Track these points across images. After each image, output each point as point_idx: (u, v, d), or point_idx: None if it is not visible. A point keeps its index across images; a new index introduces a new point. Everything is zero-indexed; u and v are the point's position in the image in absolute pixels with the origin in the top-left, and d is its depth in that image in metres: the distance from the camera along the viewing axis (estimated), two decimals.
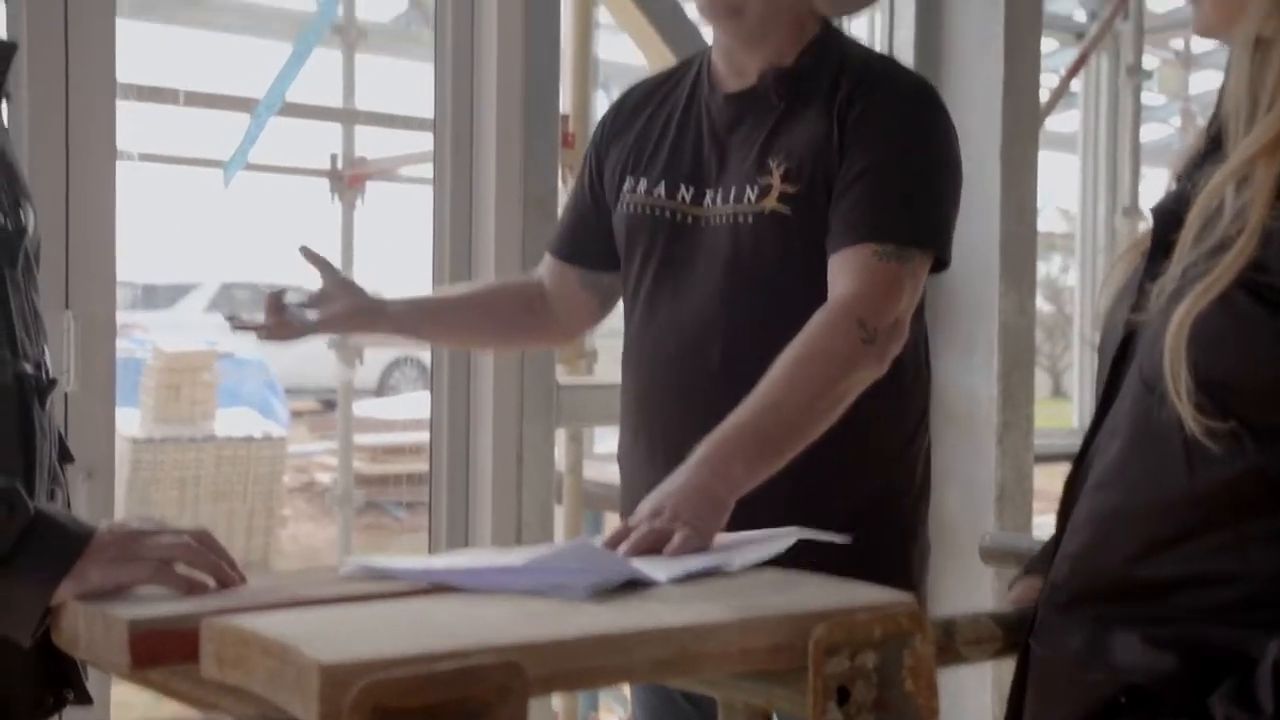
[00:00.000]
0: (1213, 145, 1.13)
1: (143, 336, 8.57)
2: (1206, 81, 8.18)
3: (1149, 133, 6.46)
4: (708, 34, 3.33)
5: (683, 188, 1.75)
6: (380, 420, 8.83)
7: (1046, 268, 12.63)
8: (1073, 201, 6.19)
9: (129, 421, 6.76)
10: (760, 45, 1.73)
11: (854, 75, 1.69)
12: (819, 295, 1.62)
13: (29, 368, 1.29)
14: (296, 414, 9.91)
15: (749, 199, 1.68)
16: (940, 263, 1.69)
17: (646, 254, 1.78)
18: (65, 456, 1.41)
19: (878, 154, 1.63)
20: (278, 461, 7.43)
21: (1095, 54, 5.48)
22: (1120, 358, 1.18)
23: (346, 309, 1.78)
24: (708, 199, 1.73)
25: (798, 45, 1.74)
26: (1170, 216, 1.16)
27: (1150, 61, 6.14)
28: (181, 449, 6.94)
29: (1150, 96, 6.39)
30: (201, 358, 7.61)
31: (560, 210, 2.82)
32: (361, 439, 7.34)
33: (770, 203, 1.66)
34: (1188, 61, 7.13)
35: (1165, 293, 1.08)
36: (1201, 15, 1.19)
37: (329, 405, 9.40)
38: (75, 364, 2.04)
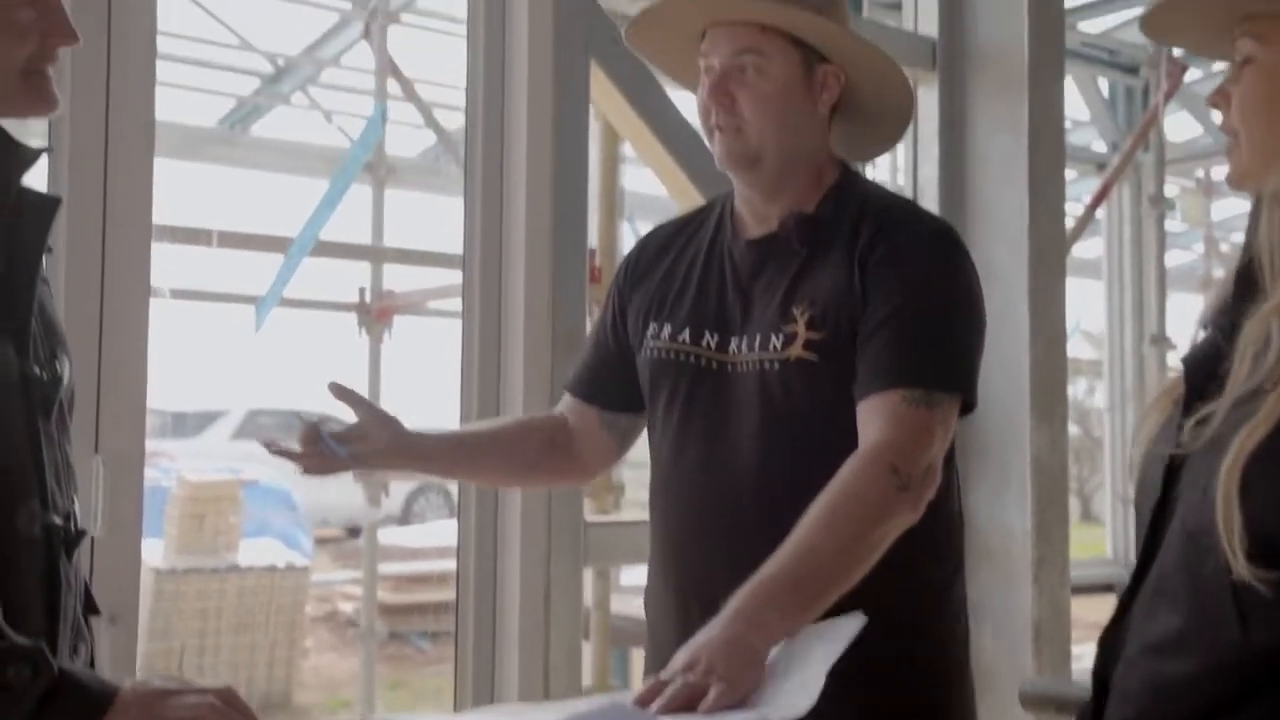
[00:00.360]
0: (1242, 290, 1.13)
1: (168, 465, 8.58)
2: (1228, 209, 8.24)
3: (1171, 259, 6.48)
4: None
5: (707, 334, 1.74)
6: (404, 549, 8.77)
7: (1073, 390, 12.58)
8: (1098, 326, 6.18)
9: (152, 552, 6.73)
10: (780, 193, 1.74)
11: (874, 220, 1.69)
12: (849, 440, 1.60)
13: (58, 520, 1.28)
14: (320, 541, 9.86)
15: (774, 346, 1.67)
16: (967, 405, 1.67)
17: (671, 398, 1.76)
18: (91, 608, 1.39)
19: (900, 299, 1.63)
20: (300, 592, 7.36)
21: (1117, 184, 5.52)
22: (1160, 510, 1.15)
23: (383, 446, 1.75)
24: (733, 346, 1.72)
25: (818, 191, 1.75)
26: (1203, 366, 1.15)
27: (1170, 189, 6.19)
28: (204, 580, 6.89)
29: (1172, 224, 6.42)
30: (226, 487, 7.60)
31: None
32: (386, 568, 7.28)
33: (796, 350, 1.66)
34: (1209, 189, 7.19)
35: (1209, 434, 1.07)
36: (1238, 164, 1.19)
37: (353, 533, 9.36)
38: (103, 508, 2.03)
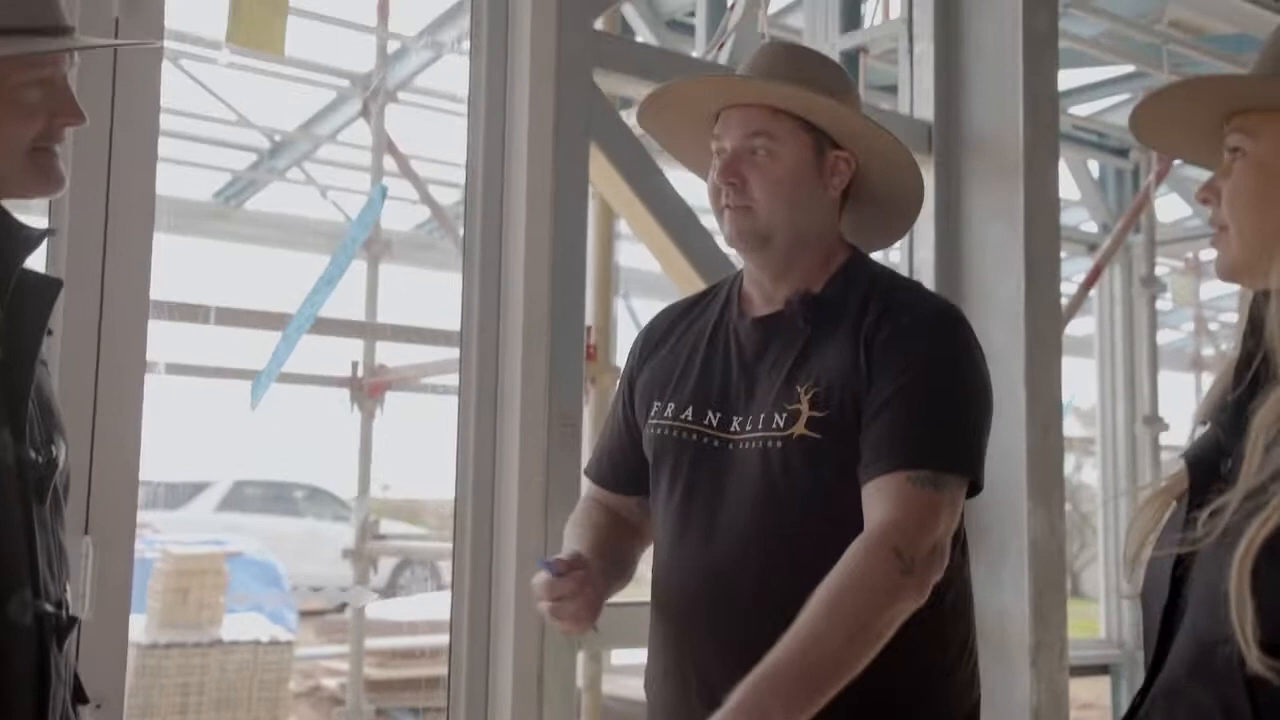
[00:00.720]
0: (1241, 382, 1.13)
1: (153, 537, 8.49)
2: (1216, 289, 8.30)
3: (1161, 338, 6.51)
4: (724, 244, 3.41)
5: (710, 413, 1.73)
6: (391, 623, 8.66)
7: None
8: (1089, 403, 6.19)
9: (133, 626, 6.62)
10: (788, 273, 1.74)
11: (881, 300, 1.70)
12: (853, 521, 1.58)
13: (50, 607, 1.26)
14: (305, 614, 9.75)
15: (778, 424, 1.66)
16: (975, 486, 1.65)
17: (674, 476, 1.75)
18: (80, 697, 1.36)
19: (906, 379, 1.62)
20: (284, 667, 7.25)
21: (1108, 264, 5.56)
22: (1171, 609, 1.14)
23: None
24: (735, 424, 1.71)
25: (826, 273, 1.75)
26: (1206, 461, 1.15)
27: (1159, 269, 6.23)
28: (186, 655, 6.78)
29: (1161, 303, 6.46)
30: (211, 560, 7.51)
31: (584, 422, 2.82)
32: (372, 643, 7.19)
33: (799, 428, 1.64)
34: (1197, 270, 7.24)
35: (1220, 527, 1.06)
36: (1228, 257, 1.20)
37: (339, 606, 9.25)
38: (91, 590, 1.99)
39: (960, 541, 1.73)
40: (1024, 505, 3.04)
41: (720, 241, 3.12)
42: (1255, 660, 0.99)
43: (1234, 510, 1.06)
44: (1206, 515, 1.08)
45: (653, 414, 1.79)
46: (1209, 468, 1.15)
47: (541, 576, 1.65)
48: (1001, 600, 3.10)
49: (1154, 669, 1.15)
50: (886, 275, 1.81)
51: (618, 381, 1.96)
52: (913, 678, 1.66)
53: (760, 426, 1.67)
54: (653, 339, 1.87)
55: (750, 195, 1.70)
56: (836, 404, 1.63)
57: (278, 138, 6.90)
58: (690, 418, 1.74)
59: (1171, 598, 1.14)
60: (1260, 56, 1.23)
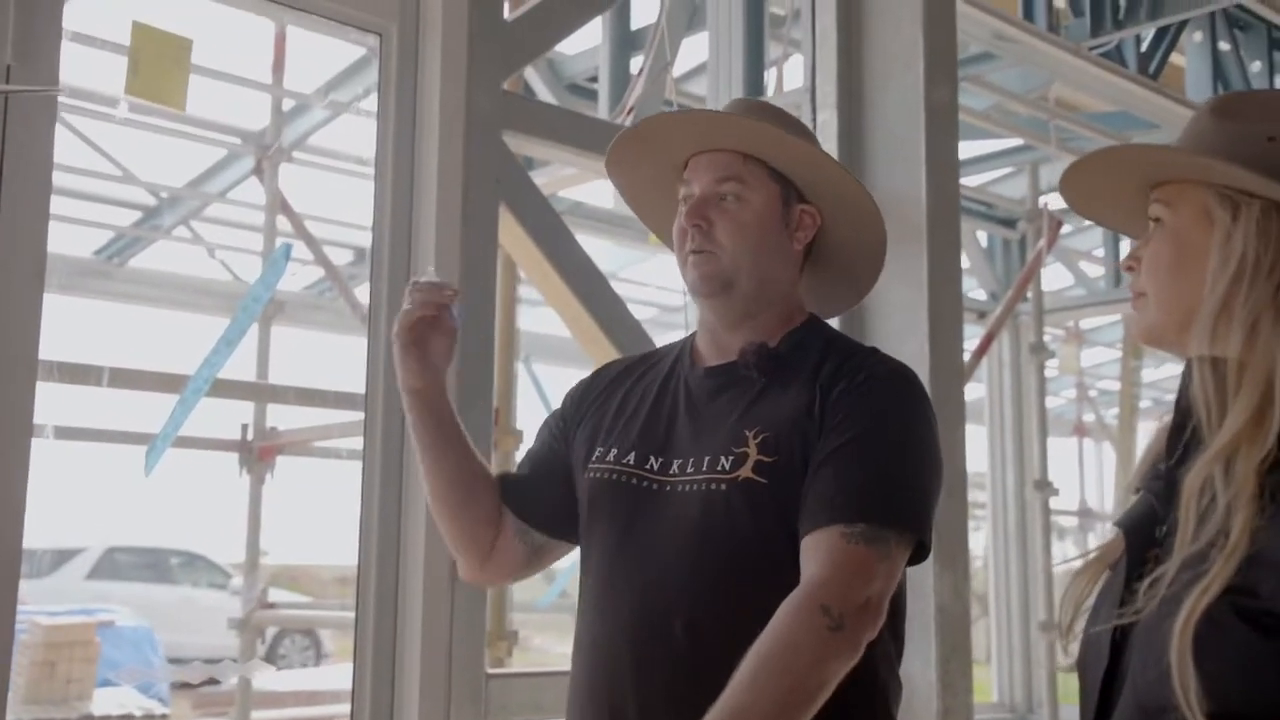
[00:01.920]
0: (1173, 450, 1.14)
1: (20, 607, 8.12)
2: (1097, 356, 8.56)
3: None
4: (635, 309, 3.40)
5: (652, 458, 1.69)
6: (272, 693, 8.39)
7: None
8: (978, 468, 6.30)
9: None
10: (745, 324, 1.72)
11: (838, 356, 1.68)
12: (788, 572, 1.55)
13: None
14: (179, 686, 9.40)
15: (723, 467, 1.62)
16: (922, 547, 1.61)
17: (611, 520, 1.69)
18: None
19: (852, 434, 1.59)
20: None
21: (998, 333, 5.69)
22: (1109, 680, 1.13)
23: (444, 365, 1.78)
24: (675, 467, 1.67)
25: (783, 329, 1.73)
26: (1141, 529, 1.16)
27: (1045, 337, 6.39)
28: None
29: (1046, 370, 6.63)
30: (82, 630, 7.20)
31: None
32: (259, 715, 6.94)
33: (745, 472, 1.60)
34: (1079, 337, 7.45)
35: (1158, 596, 1.06)
36: (1146, 322, 1.23)
37: (214, 679, 8.94)
38: None
39: (894, 610, 1.70)
40: (930, 571, 3.05)
41: (631, 308, 3.13)
42: None
43: (1171, 580, 1.06)
44: (1146, 585, 1.08)
45: (593, 460, 1.74)
46: (1144, 535, 1.15)
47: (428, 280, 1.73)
48: (908, 667, 3.07)
49: None
50: (843, 338, 1.80)
51: (541, 425, 1.90)
52: None
53: (705, 469, 1.64)
54: (597, 387, 1.84)
55: (716, 240, 1.69)
56: (786, 451, 1.60)
57: (164, 195, 6.74)
58: (631, 462, 1.70)
59: (1110, 667, 1.13)
60: (1183, 132, 1.26)
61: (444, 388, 1.79)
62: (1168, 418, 1.23)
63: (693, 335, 1.82)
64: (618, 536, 1.68)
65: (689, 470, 1.65)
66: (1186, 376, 1.18)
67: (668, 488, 1.66)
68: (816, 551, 1.53)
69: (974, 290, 6.57)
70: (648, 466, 1.69)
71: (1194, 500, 1.08)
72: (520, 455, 1.95)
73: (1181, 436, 1.15)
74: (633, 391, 1.79)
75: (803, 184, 1.73)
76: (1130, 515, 1.21)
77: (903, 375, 1.69)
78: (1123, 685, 1.11)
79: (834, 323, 3.18)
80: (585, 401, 1.83)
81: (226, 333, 2.72)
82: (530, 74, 4.58)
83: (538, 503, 1.81)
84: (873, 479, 1.56)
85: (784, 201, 1.72)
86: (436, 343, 1.75)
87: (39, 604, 8.20)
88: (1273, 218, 1.13)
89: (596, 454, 1.74)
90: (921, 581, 3.08)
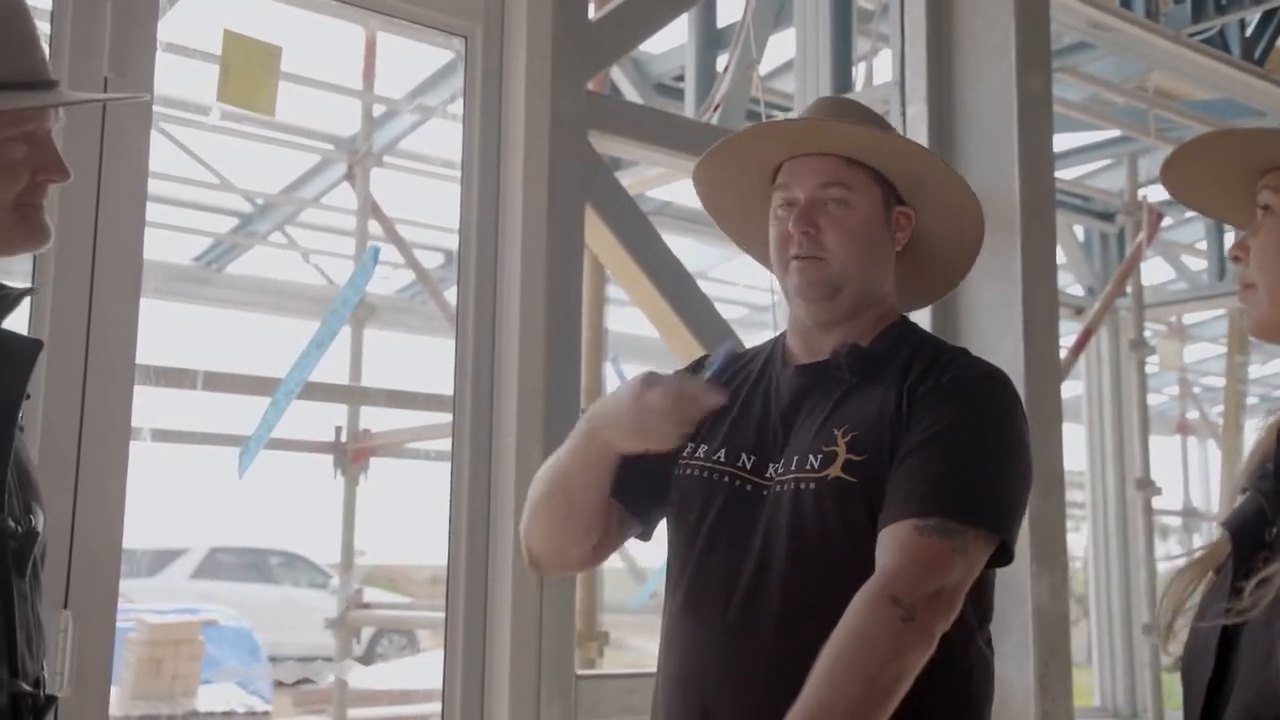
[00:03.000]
0: None
1: (126, 606, 8.35)
2: (1200, 352, 8.33)
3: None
4: (723, 309, 3.38)
5: (744, 456, 1.69)
6: (367, 691, 8.51)
7: None
8: (1077, 468, 6.17)
9: None
10: (842, 325, 1.71)
11: (928, 357, 1.67)
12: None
13: (27, 686, 1.19)
14: (280, 684, 9.59)
15: (812, 465, 1.61)
16: (1005, 552, 1.58)
17: (701, 516, 1.69)
18: None
19: (935, 431, 1.57)
20: None
21: (1096, 329, 5.56)
22: (1217, 682, 1.09)
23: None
24: (770, 469, 1.66)
25: (876, 329, 1.73)
26: (1249, 530, 1.12)
27: (1145, 332, 6.25)
28: None
29: (1146, 366, 6.48)
30: (186, 629, 7.38)
31: None
32: (354, 713, 7.05)
33: (835, 470, 1.59)
34: (1182, 333, 7.26)
35: (1267, 597, 1.02)
36: (1259, 315, 1.18)
37: (309, 679, 9.09)
38: (70, 666, 1.91)
39: (983, 615, 1.67)
40: (1027, 571, 2.98)
41: (719, 307, 3.11)
42: None
43: None
44: (1254, 584, 1.04)
45: (684, 455, 1.73)
46: (1253, 536, 1.11)
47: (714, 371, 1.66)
48: (1005, 670, 3.02)
49: None
50: (933, 339, 1.79)
51: None
52: None
53: (795, 468, 1.63)
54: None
55: (824, 246, 1.68)
56: (875, 449, 1.59)
57: (260, 201, 6.87)
58: (723, 460, 1.70)
59: (1218, 669, 1.09)
60: None
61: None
62: (1277, 415, 1.19)
63: (783, 335, 1.80)
64: (709, 534, 1.67)
65: (779, 469, 1.65)
66: None
67: (761, 487, 1.66)
68: (889, 544, 1.52)
69: (1071, 285, 6.43)
70: (739, 465, 1.68)
71: None
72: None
73: None
74: (729, 387, 1.77)
75: (902, 185, 1.72)
76: (1237, 515, 1.18)
77: (992, 376, 1.67)
78: (1231, 687, 1.07)
79: (928, 319, 3.20)
80: None
81: (316, 336, 2.76)
82: (616, 73, 4.58)
83: (638, 487, 1.75)
84: (951, 475, 1.54)
85: (885, 204, 1.71)
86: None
87: (145, 603, 8.42)
88: None
89: (688, 449, 1.73)
90: (1019, 583, 3.02)
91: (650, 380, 1.63)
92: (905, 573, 1.48)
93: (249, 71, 2.34)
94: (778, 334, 1.84)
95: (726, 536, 1.65)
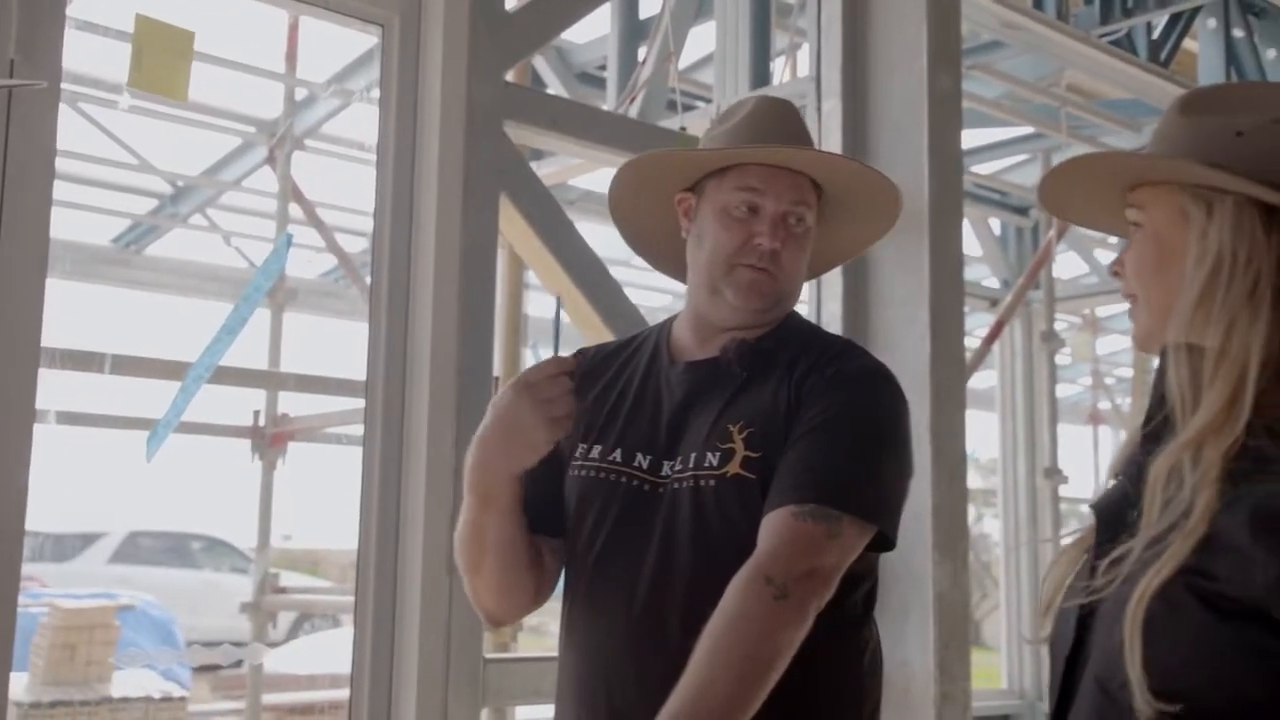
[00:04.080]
0: (1151, 441, 1.15)
1: (40, 590, 8.22)
2: (1112, 344, 8.52)
3: (1058, 392, 6.67)
4: (633, 294, 3.42)
5: (639, 455, 1.71)
6: (290, 676, 8.46)
7: None
8: (990, 456, 6.30)
9: (16, 684, 6.39)
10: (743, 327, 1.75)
11: (815, 352, 1.71)
12: None
13: None
14: (200, 669, 9.49)
15: (710, 463, 1.64)
16: (883, 540, 1.63)
17: (598, 520, 1.70)
18: None
19: (819, 421, 1.62)
20: None
21: (1009, 320, 5.68)
22: (1074, 657, 1.15)
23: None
24: (666, 468, 1.69)
25: (764, 325, 1.76)
26: (1114, 512, 1.18)
27: (1059, 325, 6.38)
28: (73, 713, 6.54)
29: (1059, 358, 6.63)
30: (101, 614, 7.27)
31: None
32: (271, 698, 7.01)
33: (734, 467, 1.63)
34: (1094, 325, 7.42)
35: (1120, 574, 1.08)
36: (1141, 325, 1.25)
37: (236, 661, 9.03)
38: None
39: (870, 601, 1.72)
40: (929, 558, 3.06)
41: (644, 294, 3.15)
42: (1145, 705, 1.01)
43: (1134, 560, 1.08)
44: (1107, 564, 1.11)
45: (577, 456, 1.75)
46: (1116, 519, 1.17)
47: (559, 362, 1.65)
48: (906, 653, 3.11)
49: (1058, 714, 1.16)
50: (821, 333, 1.84)
51: None
52: None
53: (693, 466, 1.66)
54: (578, 380, 1.81)
55: (781, 264, 1.71)
56: (771, 445, 1.63)
57: (180, 183, 6.79)
58: (619, 460, 1.71)
59: (1075, 645, 1.16)
60: (1154, 131, 1.27)
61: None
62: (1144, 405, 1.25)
63: (666, 325, 1.83)
64: (608, 534, 1.69)
65: (677, 468, 1.67)
66: (1163, 363, 1.19)
67: (658, 486, 1.68)
68: (767, 530, 1.57)
69: (987, 278, 6.56)
70: (635, 464, 1.70)
71: (1160, 483, 1.10)
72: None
73: (1155, 423, 1.17)
74: (611, 386, 1.80)
75: (831, 193, 1.76)
76: (1104, 499, 1.23)
77: (874, 370, 1.72)
78: (1086, 663, 1.13)
79: (837, 306, 3.26)
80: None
81: (228, 321, 2.75)
82: (539, 63, 4.60)
83: (557, 514, 1.77)
84: (829, 464, 1.59)
85: (819, 216, 1.77)
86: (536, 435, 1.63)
87: (63, 587, 8.29)
88: (1245, 212, 1.14)
89: (580, 450, 1.75)
90: (921, 570, 3.10)
91: (497, 399, 1.64)
92: (779, 554, 1.53)
93: (162, 57, 2.33)
94: (655, 326, 1.86)
95: (626, 536, 1.68)
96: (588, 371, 1.83)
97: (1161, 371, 1.19)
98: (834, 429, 1.62)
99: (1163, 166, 1.20)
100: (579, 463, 1.74)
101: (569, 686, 1.72)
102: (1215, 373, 1.11)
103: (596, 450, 1.73)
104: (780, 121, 1.76)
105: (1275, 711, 1.00)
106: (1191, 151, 1.19)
